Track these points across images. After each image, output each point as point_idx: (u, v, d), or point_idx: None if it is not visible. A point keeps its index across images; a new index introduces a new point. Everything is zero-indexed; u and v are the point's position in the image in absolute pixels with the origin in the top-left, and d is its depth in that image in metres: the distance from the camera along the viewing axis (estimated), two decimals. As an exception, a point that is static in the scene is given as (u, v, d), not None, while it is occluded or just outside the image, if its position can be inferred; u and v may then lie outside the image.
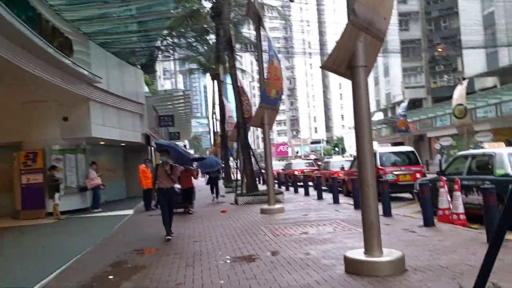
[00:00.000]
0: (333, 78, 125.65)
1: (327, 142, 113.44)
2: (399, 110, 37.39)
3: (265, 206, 12.90)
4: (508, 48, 31.79)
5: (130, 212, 15.25)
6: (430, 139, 42.38)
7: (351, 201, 14.16)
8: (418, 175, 15.07)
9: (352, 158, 23.73)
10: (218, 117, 30.19)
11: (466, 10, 35.55)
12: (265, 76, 12.92)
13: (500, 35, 31.73)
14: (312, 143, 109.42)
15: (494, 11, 32.72)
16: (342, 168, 19.18)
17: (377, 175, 15.08)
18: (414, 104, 46.80)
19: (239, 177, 17.91)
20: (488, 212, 6.76)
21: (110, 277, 6.39)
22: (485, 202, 6.79)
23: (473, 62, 35.46)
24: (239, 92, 17.31)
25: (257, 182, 19.83)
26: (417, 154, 16.01)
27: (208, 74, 38.41)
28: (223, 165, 23.76)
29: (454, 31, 43.45)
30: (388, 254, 5.58)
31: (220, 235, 9.28)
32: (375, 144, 54.32)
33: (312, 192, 19.14)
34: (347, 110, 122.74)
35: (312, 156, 65.46)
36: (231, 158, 26.24)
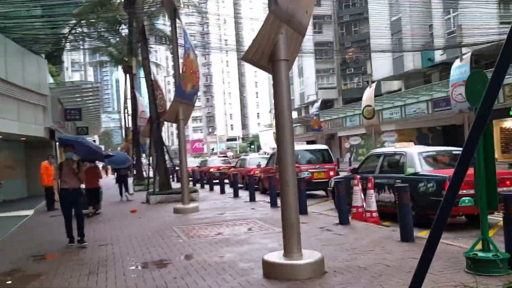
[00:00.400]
0: (249, 76, 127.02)
1: (243, 139, 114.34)
2: (313, 109, 38.44)
3: (179, 205, 12.35)
4: (412, 53, 33.82)
5: (30, 212, 13.92)
6: (340, 138, 44.07)
7: (268, 199, 14.04)
8: (331, 173, 15.34)
9: (268, 155, 23.83)
10: (130, 112, 28.88)
11: (375, 16, 37.31)
12: (181, 69, 12.34)
13: (406, 41, 33.67)
14: (228, 140, 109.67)
15: (401, 17, 34.67)
16: (259, 166, 19.07)
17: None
18: (326, 104, 48.42)
19: (151, 174, 17.11)
20: (401, 210, 6.82)
21: (-4, 290, 5.55)
22: (399, 200, 6.85)
23: (381, 66, 37.33)
24: (152, 86, 16.51)
25: (171, 180, 19.06)
26: (330, 152, 16.32)
27: (120, 67, 36.77)
28: (134, 162, 22.79)
29: (364, 36, 45.54)
30: (308, 256, 5.35)
31: (129, 238, 8.60)
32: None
33: (228, 190, 18.85)
34: (263, 108, 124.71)
35: (230, 153, 65.42)
36: (143, 155, 25.18)
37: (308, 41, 50.66)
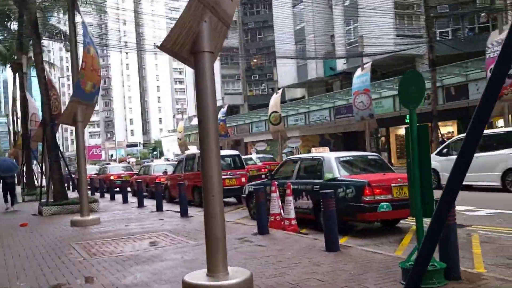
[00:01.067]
0: (151, 79, 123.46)
1: (144, 145, 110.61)
2: (219, 115, 37.92)
3: (77, 217, 11.04)
4: (315, 62, 34.91)
5: None
6: (246, 144, 44.16)
7: (176, 208, 13.20)
8: (243, 179, 14.89)
9: (175, 162, 22.86)
10: (20, 114, 26.16)
11: (280, 24, 38.01)
12: (80, 66, 11.09)
13: (309, 49, 34.66)
14: (128, 146, 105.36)
15: (304, 27, 35.67)
16: (165, 173, 18.08)
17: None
18: (232, 110, 48.33)
19: (44, 183, 15.35)
20: (326, 217, 6.47)
21: None
22: (324, 207, 6.50)
23: (285, 73, 38.10)
24: (46, 84, 14.82)
25: (67, 189, 17.32)
26: (242, 158, 15.87)
27: (8, 66, 33.32)
28: (24, 169, 20.64)
29: (269, 43, 46.25)
30: (235, 275, 4.71)
31: (19, 258, 7.31)
32: (195, 149, 54.50)
33: (132, 199, 17.65)
34: (166, 113, 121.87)
35: (132, 160, 62.66)
36: (34, 162, 22.80)
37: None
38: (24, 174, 21.89)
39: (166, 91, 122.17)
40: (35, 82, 17.53)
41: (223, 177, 14.41)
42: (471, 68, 21.62)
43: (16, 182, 16.71)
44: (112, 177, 23.56)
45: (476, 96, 21.80)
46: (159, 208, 13.14)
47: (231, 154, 15.78)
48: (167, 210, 13.14)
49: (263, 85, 50.57)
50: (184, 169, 15.98)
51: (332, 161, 8.87)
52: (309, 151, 37.77)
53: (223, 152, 16.21)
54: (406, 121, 26.57)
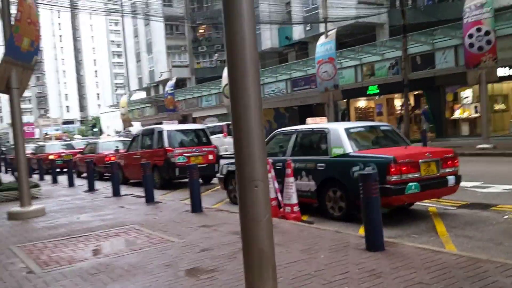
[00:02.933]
0: (87, 53, 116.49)
1: (82, 122, 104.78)
2: (167, 88, 35.47)
3: (16, 208, 8.85)
4: (270, 32, 33.12)
5: None
6: (195, 119, 41.92)
7: (135, 192, 11.32)
8: (210, 157, 13.11)
9: (128, 138, 20.65)
10: None
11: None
12: (14, 18, 8.69)
13: (263, 17, 32.72)
14: (64, 123, 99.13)
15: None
16: (117, 151, 15.86)
17: (164, 157, 12.53)
18: (178, 84, 45.65)
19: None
20: (370, 206, 4.90)
21: None
22: (365, 194, 4.93)
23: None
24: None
25: (-1, 172, 14.68)
26: (207, 133, 14.01)
27: None
28: None
29: (217, 13, 43.72)
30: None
31: None
32: (139, 125, 51.36)
33: (78, 181, 15.40)
34: (103, 88, 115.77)
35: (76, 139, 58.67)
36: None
37: (158, 13, 47.15)
38: None
39: (103, 65, 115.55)
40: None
41: (187, 154, 12.71)
42: (438, 36, 20.76)
43: None
44: (52, 157, 20.86)
45: (444, 66, 21.06)
46: (116, 192, 11.11)
47: (195, 129, 13.85)
48: (126, 195, 11.16)
49: (212, 57, 48.09)
50: (141, 146, 13.91)
51: (341, 133, 7.30)
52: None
53: (185, 126, 14.34)
54: (368, 92, 25.66)
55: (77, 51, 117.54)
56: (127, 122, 46.67)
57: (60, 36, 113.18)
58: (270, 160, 7.61)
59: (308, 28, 25.85)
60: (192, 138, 13.54)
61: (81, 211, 9.08)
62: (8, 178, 17.20)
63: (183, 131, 13.57)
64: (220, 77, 39.07)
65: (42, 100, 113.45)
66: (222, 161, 11.02)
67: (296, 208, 7.19)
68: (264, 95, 32.61)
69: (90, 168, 12.88)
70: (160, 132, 12.98)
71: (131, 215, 8.16)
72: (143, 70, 52.35)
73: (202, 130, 13.84)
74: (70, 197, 11.58)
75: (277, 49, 34.78)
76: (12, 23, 8.57)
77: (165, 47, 46.82)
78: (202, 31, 49.29)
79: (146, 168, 9.68)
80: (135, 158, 13.91)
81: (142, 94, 56.67)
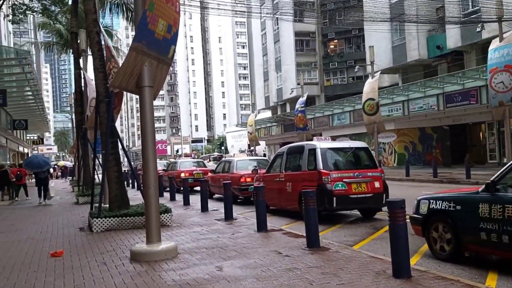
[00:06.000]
0: (216, 75, 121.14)
1: (209, 141, 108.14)
2: (297, 105, 33.18)
3: (142, 247, 6.70)
4: (418, 41, 29.21)
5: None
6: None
7: (282, 223, 8.71)
8: (377, 184, 10.06)
9: (260, 157, 18.58)
10: (74, 98, 22.89)
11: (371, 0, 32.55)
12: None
13: (409, 26, 28.96)
14: (193, 142, 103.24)
15: (403, -1, 29.93)
16: (255, 170, 13.58)
17: (318, 182, 9.79)
18: (306, 101, 43.33)
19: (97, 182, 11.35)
20: None
21: None
22: None
23: (377, 56, 32.46)
24: (99, 48, 10.73)
25: (127, 191, 13.16)
26: (372, 153, 11.01)
27: (71, 53, 30.37)
28: (52, 165, 19.11)
29: (351, 25, 40.76)
30: None
31: None
32: (263, 144, 49.86)
33: (211, 203, 13.34)
34: (229, 108, 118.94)
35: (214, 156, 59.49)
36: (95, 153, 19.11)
37: (288, 30, 45.70)
38: (78, 170, 18.42)
39: (230, 86, 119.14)
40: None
41: (347, 180, 9.83)
42: None
43: (48, 177, 17.99)
44: (183, 175, 19.48)
45: None
46: (261, 226, 8.57)
47: (356, 147, 10.88)
48: (274, 230, 8.58)
49: (343, 73, 45.05)
50: (285, 167, 11.37)
51: None
52: (405, 149, 32.27)
53: (343, 144, 11.46)
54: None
55: (206, 74, 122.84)
56: (253, 141, 45.39)
57: (193, 60, 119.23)
58: None
59: (478, 29, 21.49)
60: (352, 159, 10.63)
61: (222, 254, 6.65)
62: (138, 196, 15.89)
63: (341, 150, 10.73)
64: (353, 94, 36.03)
65: (174, 119, 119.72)
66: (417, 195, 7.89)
67: None
68: (408, 112, 28.70)
69: (228, 191, 10.60)
70: (313, 150, 10.29)
71: (299, 273, 5.44)
72: (270, 89, 51.15)
73: (365, 149, 10.85)
74: (205, 227, 9.34)
75: (424, 61, 30.57)
76: None
77: (294, 64, 44.96)
78: (333, 46, 46.67)
79: (308, 198, 6.95)
80: (277, 181, 11.41)
81: (268, 114, 55.53)
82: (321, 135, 39.81)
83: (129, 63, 6.40)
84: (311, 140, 12.39)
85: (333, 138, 38.91)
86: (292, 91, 42.07)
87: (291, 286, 4.89)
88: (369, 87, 25.56)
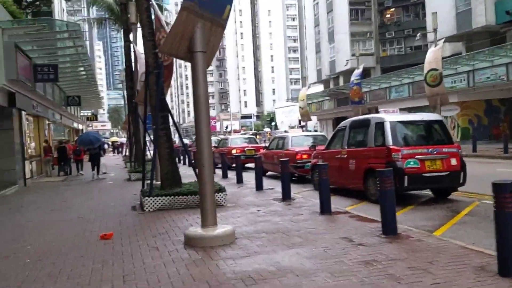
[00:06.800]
0: (265, 49, 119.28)
1: (258, 117, 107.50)
2: (353, 78, 31.67)
3: (197, 231, 6.05)
4: (484, 4, 26.82)
5: None
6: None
7: (345, 203, 7.87)
8: (453, 161, 8.94)
9: (314, 133, 17.60)
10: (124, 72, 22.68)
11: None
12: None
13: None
14: (242, 118, 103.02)
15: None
16: (313, 147, 12.70)
17: (387, 159, 8.89)
18: (362, 74, 41.53)
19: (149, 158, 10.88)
20: None
21: None
22: None
23: (440, 23, 30.21)
24: (148, 15, 10.07)
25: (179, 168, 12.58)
26: (447, 127, 9.85)
27: (122, 30, 30.16)
28: (104, 141, 20.47)
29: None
30: None
31: None
32: (315, 119, 48.48)
33: (265, 181, 12.63)
34: (279, 83, 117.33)
35: (267, 130, 58.91)
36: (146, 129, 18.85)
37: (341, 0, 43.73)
38: (130, 146, 18.31)
39: (279, 60, 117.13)
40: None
41: (419, 157, 8.77)
42: None
43: (101, 153, 18.66)
44: (235, 151, 18.91)
45: None
46: (326, 207, 7.75)
47: (429, 120, 9.73)
48: (339, 211, 7.74)
49: (401, 43, 42.67)
50: (348, 143, 10.42)
51: None
52: (469, 122, 30.18)
53: (415, 117, 10.32)
54: None
55: (255, 47, 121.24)
56: (305, 116, 44.22)
57: (241, 33, 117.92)
58: None
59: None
60: (426, 134, 9.53)
61: (285, 240, 5.89)
62: (190, 173, 15.45)
63: (412, 123, 9.63)
64: (411, 65, 33.99)
65: (223, 95, 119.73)
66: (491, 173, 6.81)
67: None
68: (474, 83, 26.61)
69: (285, 169, 9.81)
70: (380, 124, 9.26)
71: (380, 267, 4.61)
72: (322, 61, 49.47)
73: (439, 122, 9.70)
74: (262, 208, 8.64)
75: (491, 27, 28.09)
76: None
77: (348, 34, 43.03)
78: (390, 15, 44.24)
79: (384, 178, 6.02)
80: (339, 158, 10.50)
81: (319, 88, 53.90)
82: (377, 110, 38.15)
83: (179, 24, 5.65)
84: (368, 114, 11.33)
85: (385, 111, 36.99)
86: (347, 63, 40.36)
87: (375, 285, 4.06)
88: (432, 56, 23.71)
